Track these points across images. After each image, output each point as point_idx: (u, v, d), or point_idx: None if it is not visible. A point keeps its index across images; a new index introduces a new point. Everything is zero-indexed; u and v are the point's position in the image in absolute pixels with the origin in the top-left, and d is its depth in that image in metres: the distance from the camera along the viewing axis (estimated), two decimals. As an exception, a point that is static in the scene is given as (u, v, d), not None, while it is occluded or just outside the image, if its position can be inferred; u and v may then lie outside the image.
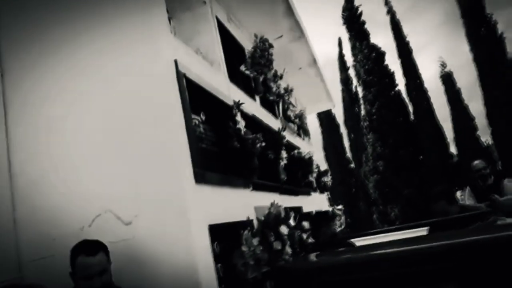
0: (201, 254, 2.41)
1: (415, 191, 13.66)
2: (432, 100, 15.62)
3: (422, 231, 3.64)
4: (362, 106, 16.18)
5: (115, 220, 2.51)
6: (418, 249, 2.58)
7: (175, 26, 4.03)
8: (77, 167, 2.68)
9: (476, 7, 14.54)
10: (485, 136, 14.44)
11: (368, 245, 3.99)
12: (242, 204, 3.40)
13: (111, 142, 2.64)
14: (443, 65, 16.22)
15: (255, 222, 3.38)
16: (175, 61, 2.86)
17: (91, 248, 2.19)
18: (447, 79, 15.91)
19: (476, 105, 14.20)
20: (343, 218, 7.14)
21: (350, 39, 16.68)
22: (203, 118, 3.38)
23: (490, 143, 14.68)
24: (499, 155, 14.12)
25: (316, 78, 8.38)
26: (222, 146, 3.45)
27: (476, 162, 4.47)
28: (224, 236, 2.95)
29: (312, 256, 3.24)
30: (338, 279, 2.78)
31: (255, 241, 2.99)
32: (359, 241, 4.45)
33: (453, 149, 15.09)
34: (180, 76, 2.87)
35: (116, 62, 2.76)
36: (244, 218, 3.26)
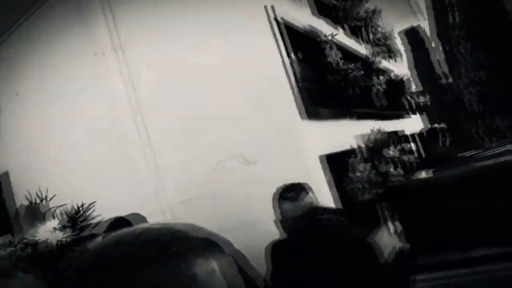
0: (318, 181, 2.68)
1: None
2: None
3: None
4: (457, 13, 14.52)
5: (242, 161, 2.88)
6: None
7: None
8: (204, 119, 3.07)
9: None
10: None
11: (469, 158, 3.93)
12: (348, 133, 3.57)
13: (230, 92, 2.95)
14: None
15: (362, 149, 3.54)
16: (272, 7, 2.99)
17: None
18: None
19: None
20: (444, 135, 6.91)
21: None
22: (300, 57, 3.51)
23: None
24: None
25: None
26: (320, 81, 3.58)
27: None
28: (335, 164, 3.19)
29: (424, 174, 3.35)
30: (451, 192, 2.87)
31: (362, 166, 3.17)
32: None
33: None
34: (274, 20, 3.01)
35: (220, 21, 3.00)
36: (351, 147, 3.44)
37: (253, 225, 2.79)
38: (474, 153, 4.42)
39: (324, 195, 2.80)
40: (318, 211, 1.80)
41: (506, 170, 2.72)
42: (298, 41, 3.50)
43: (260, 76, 2.85)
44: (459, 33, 14.32)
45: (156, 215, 3.19)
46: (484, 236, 2.58)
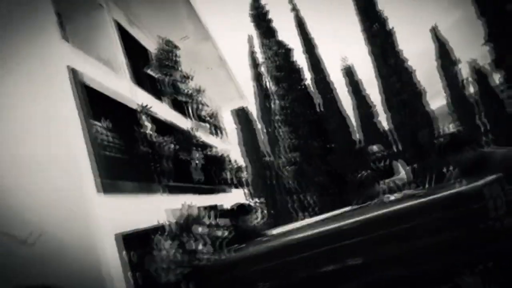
0: (110, 266, 2.37)
1: (327, 178, 14.60)
2: (338, 90, 16.77)
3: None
4: (275, 101, 16.80)
5: (15, 242, 2.35)
6: (321, 232, 2.84)
7: (71, 32, 3.82)
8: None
9: (369, 5, 15.94)
10: (385, 121, 16.08)
11: (279, 233, 4.22)
12: (158, 209, 3.39)
13: (5, 158, 2.46)
14: (344, 59, 17.53)
15: (170, 225, 3.38)
16: (71, 69, 2.74)
17: None
18: (348, 72, 17.24)
19: (375, 94, 15.73)
20: (264, 210, 7.39)
21: (259, 36, 17.19)
22: (109, 125, 3.28)
23: (388, 127, 16.24)
24: (398, 138, 15.75)
25: (226, 77, 8.52)
26: (130, 152, 3.39)
27: (371, 146, 4.97)
28: (140, 243, 2.93)
29: (229, 252, 3.35)
30: (250, 271, 2.90)
31: (167, 244, 3.00)
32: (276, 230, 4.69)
33: (358, 136, 16.40)
34: (78, 84, 2.76)
35: (10, 75, 2.58)
36: (160, 223, 3.25)
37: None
38: (285, 229, 4.72)
39: (119, 279, 2.49)
40: None
41: (309, 246, 2.85)
42: (109, 108, 3.31)
43: (52, 142, 2.50)
44: (277, 118, 16.54)
45: None
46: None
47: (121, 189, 2.84)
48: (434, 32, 19.06)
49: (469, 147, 2.91)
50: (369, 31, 15.96)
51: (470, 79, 16.73)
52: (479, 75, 16.24)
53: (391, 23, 15.64)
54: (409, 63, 15.46)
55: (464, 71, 17.52)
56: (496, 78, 14.28)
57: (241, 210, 4.26)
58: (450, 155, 3.06)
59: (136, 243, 2.84)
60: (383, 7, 15.80)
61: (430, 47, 18.96)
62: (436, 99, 18.97)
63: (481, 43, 12.28)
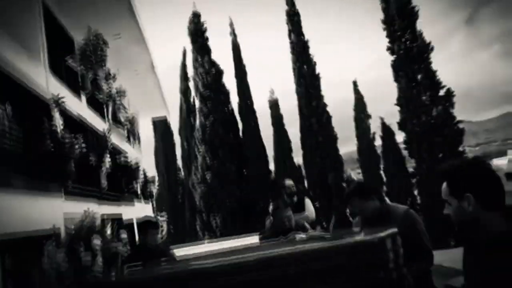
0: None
1: (236, 203, 14.67)
2: (261, 121, 17.16)
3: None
4: (197, 118, 16.64)
5: None
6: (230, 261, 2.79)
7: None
8: None
9: (304, 49, 16.87)
10: (298, 158, 16.80)
11: (186, 258, 4.06)
12: (52, 211, 3.05)
13: None
14: (272, 92, 18.17)
15: (64, 233, 3.07)
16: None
17: None
18: (274, 105, 17.85)
19: (294, 130, 16.35)
20: (165, 226, 7.08)
21: (193, 51, 17.05)
22: (9, 112, 2.92)
23: (300, 163, 16.99)
24: (306, 175, 16.54)
25: (153, 84, 8.25)
26: (32, 146, 3.04)
27: (286, 180, 5.11)
28: (22, 248, 2.59)
29: (126, 270, 3.10)
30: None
31: (60, 255, 2.71)
32: (179, 252, 4.50)
33: (272, 167, 16.86)
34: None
35: None
36: (52, 228, 2.93)
37: None
38: (188, 251, 4.53)
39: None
40: None
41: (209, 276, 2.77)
42: (18, 96, 2.96)
43: None
44: (196, 135, 16.35)
45: None
46: None
47: (12, 184, 2.51)
48: (354, 85, 20.73)
49: (375, 197, 3.08)
50: (298, 72, 16.82)
51: (379, 133, 18.33)
52: (387, 131, 17.91)
53: (319, 68, 16.67)
54: (329, 108, 16.56)
55: (375, 125, 19.21)
56: (401, 137, 15.84)
57: (147, 225, 4.00)
58: (356, 202, 3.22)
59: (19, 247, 2.51)
60: (315, 52, 16.81)
61: (350, 97, 20.54)
62: (347, 145, 20.49)
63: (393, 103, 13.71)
